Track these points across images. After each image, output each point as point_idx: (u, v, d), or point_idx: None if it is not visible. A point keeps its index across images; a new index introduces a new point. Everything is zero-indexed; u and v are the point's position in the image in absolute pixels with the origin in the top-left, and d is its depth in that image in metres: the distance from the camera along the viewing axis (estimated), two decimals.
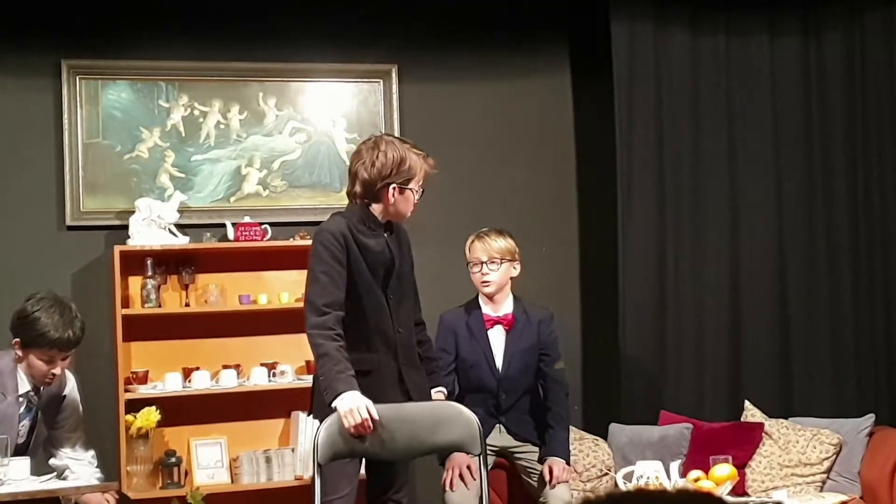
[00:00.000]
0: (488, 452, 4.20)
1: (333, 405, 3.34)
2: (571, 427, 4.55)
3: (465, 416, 3.44)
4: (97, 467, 3.92)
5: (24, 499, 3.41)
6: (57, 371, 3.69)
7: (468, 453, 3.66)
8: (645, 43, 5.19)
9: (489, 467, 4.21)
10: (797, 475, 4.70)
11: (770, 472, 4.71)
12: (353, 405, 3.31)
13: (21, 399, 3.73)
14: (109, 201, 4.88)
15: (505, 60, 5.33)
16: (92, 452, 3.94)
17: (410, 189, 3.61)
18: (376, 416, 3.34)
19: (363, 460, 3.64)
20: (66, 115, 4.82)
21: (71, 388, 3.88)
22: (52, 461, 3.84)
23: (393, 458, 3.53)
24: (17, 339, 3.68)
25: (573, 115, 5.41)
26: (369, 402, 3.34)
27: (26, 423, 3.75)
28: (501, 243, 4.28)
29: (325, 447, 3.34)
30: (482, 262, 4.27)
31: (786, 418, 4.93)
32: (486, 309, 4.35)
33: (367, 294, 3.53)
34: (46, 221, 4.83)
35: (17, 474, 3.48)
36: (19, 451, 3.65)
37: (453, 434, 3.42)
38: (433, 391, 3.72)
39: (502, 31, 5.34)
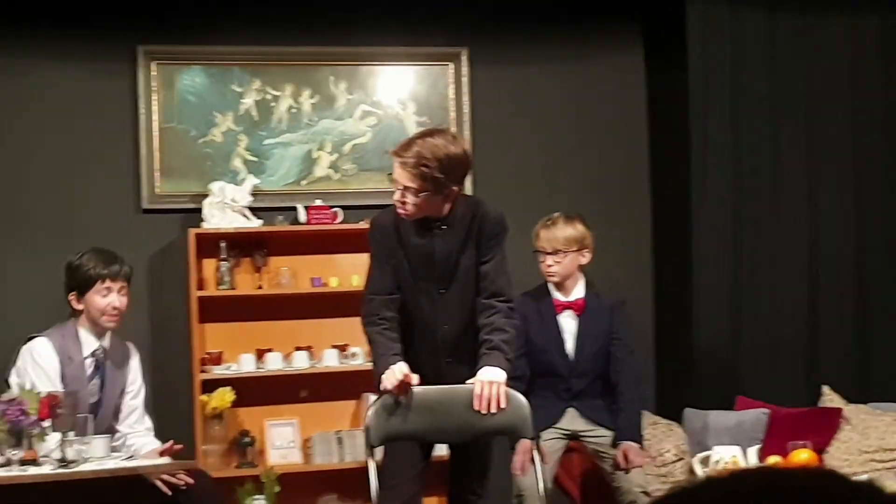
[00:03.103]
0: (560, 436, 4.18)
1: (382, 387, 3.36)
2: (645, 412, 4.51)
3: (517, 400, 3.39)
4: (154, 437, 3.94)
5: (105, 476, 3.45)
6: (117, 304, 3.75)
7: (521, 437, 3.59)
8: (720, 25, 5.10)
9: (562, 451, 4.20)
10: (876, 461, 4.62)
11: (849, 457, 4.63)
12: (389, 373, 3.31)
13: (89, 360, 3.80)
14: (184, 185, 4.94)
15: (577, 43, 5.29)
16: (149, 424, 3.96)
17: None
18: (413, 378, 3.31)
19: (433, 446, 3.63)
20: (141, 100, 4.89)
21: (136, 360, 3.96)
22: (117, 427, 3.87)
23: (445, 440, 3.54)
24: (74, 293, 3.74)
25: (646, 98, 5.36)
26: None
27: (97, 381, 3.81)
28: (568, 232, 4.15)
29: (376, 430, 3.34)
30: (547, 253, 4.18)
31: (865, 403, 4.84)
32: (557, 294, 4.27)
33: (407, 289, 3.47)
34: (123, 205, 4.90)
35: (97, 452, 3.52)
36: (92, 410, 3.70)
37: (504, 418, 3.37)
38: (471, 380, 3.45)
39: (574, 13, 5.29)
